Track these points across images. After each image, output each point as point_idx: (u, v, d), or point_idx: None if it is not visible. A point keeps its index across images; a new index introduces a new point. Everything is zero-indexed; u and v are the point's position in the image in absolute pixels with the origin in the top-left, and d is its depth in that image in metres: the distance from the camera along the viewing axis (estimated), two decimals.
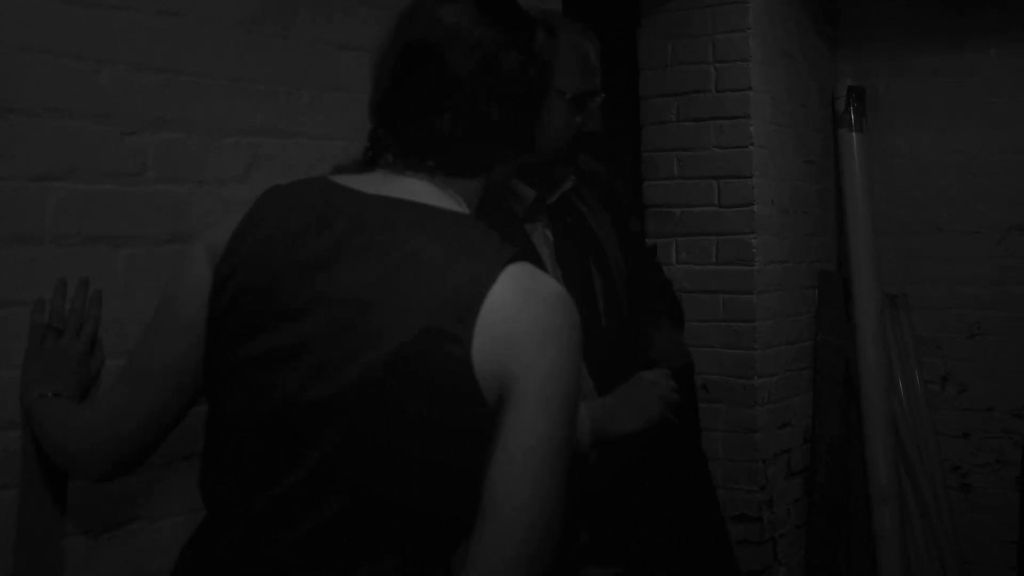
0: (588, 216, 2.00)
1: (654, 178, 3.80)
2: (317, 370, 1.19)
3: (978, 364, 4.13)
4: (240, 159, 1.91)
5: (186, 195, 1.83)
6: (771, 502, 3.69)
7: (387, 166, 1.31)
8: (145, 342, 1.37)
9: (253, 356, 1.23)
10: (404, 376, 1.15)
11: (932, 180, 4.20)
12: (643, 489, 1.94)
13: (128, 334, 1.67)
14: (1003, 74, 4.08)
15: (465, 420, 1.17)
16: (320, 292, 1.21)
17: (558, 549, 1.20)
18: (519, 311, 1.18)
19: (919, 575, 3.98)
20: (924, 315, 4.22)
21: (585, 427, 1.79)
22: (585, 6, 3.19)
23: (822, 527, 3.94)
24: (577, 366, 1.22)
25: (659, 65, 3.76)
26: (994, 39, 4.09)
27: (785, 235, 3.82)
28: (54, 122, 1.63)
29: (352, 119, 1.97)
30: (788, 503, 3.82)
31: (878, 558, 3.89)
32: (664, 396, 1.84)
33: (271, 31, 1.98)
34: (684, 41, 3.71)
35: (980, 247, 4.12)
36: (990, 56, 4.10)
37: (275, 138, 1.98)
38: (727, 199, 3.65)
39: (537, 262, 1.84)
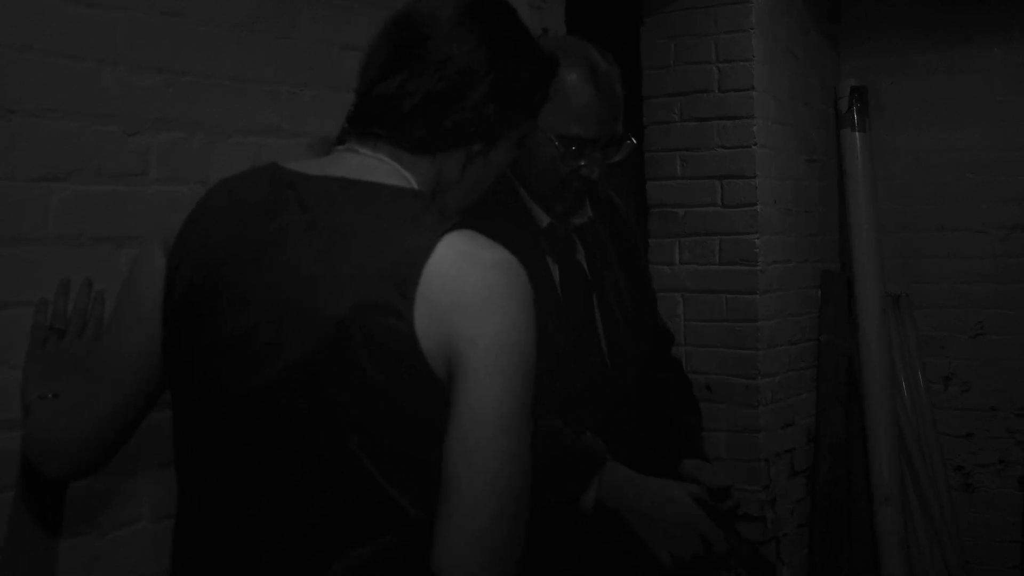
0: (598, 252, 1.93)
1: (657, 178, 3.80)
2: (267, 355, 1.18)
3: (981, 364, 4.13)
4: (243, 159, 1.91)
5: (189, 195, 1.79)
6: (774, 502, 3.69)
7: (342, 145, 1.32)
8: (103, 338, 1.37)
9: (208, 345, 1.22)
10: (347, 354, 1.13)
11: (935, 178, 4.20)
12: None
13: None
14: (1006, 72, 4.08)
15: (421, 398, 1.14)
16: (266, 276, 1.20)
17: (526, 526, 1.16)
18: (459, 279, 1.15)
19: (922, 575, 3.98)
20: (927, 314, 4.21)
21: (591, 490, 1.70)
22: (588, 6, 3.19)
23: (824, 527, 3.93)
24: (527, 332, 1.17)
25: (662, 65, 3.76)
26: (997, 37, 4.08)
27: (788, 235, 3.82)
28: (56, 123, 1.63)
29: None
30: (791, 503, 3.82)
31: (880, 558, 3.89)
32: (708, 533, 1.69)
33: (273, 31, 1.98)
34: (687, 41, 3.70)
35: (983, 246, 4.11)
36: (993, 54, 4.10)
37: (277, 138, 1.98)
38: (730, 199, 3.65)
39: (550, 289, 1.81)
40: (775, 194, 3.72)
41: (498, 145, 1.34)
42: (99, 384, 1.34)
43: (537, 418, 1.65)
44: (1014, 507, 4.06)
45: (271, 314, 1.18)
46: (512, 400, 1.15)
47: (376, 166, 1.28)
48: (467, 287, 1.15)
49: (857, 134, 4.09)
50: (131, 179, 1.74)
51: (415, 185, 1.28)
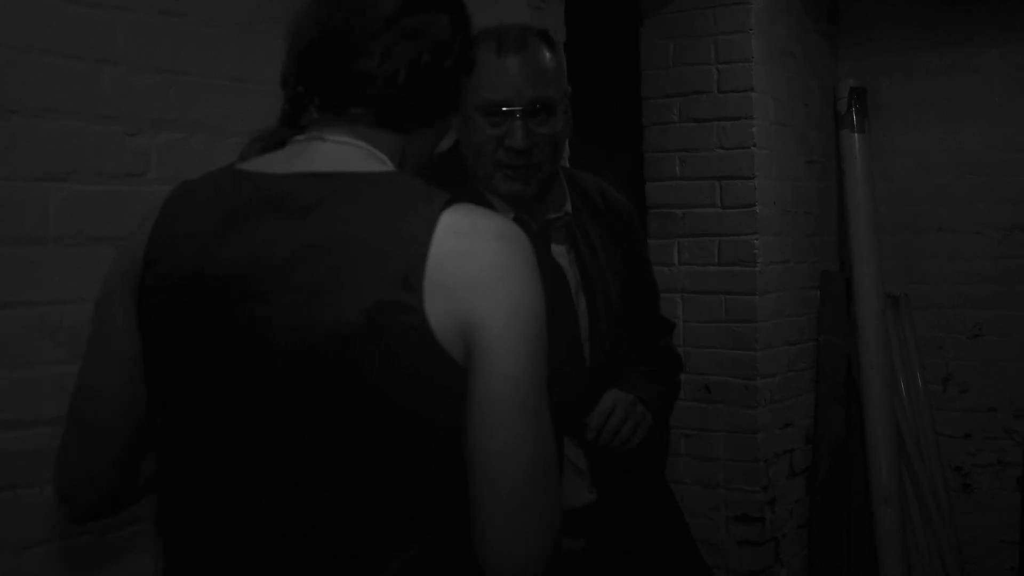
0: (583, 246, 1.92)
1: (656, 179, 3.80)
2: (269, 367, 1.14)
3: (980, 364, 4.13)
4: None
5: None
6: (773, 502, 3.69)
7: (302, 132, 1.26)
8: (84, 373, 1.31)
9: (206, 360, 1.18)
10: (363, 360, 1.10)
11: (934, 179, 4.20)
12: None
13: None
14: (1005, 73, 4.08)
15: (444, 387, 1.12)
16: (261, 285, 1.15)
17: (559, 504, 1.15)
18: (464, 257, 1.12)
19: (920, 575, 3.99)
20: (926, 315, 4.22)
21: None
22: (587, 7, 3.19)
23: (823, 527, 3.94)
24: (537, 298, 1.14)
25: (661, 66, 3.76)
26: (996, 38, 4.09)
27: (787, 235, 3.82)
28: (56, 123, 1.63)
29: None
30: (790, 503, 3.82)
31: (879, 558, 3.90)
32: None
33: (273, 31, 1.97)
34: (686, 41, 3.71)
35: (982, 247, 4.11)
36: (992, 55, 4.10)
37: None
38: (729, 200, 3.65)
39: None
40: (774, 195, 3.72)
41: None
42: (89, 421, 1.28)
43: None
44: (1012, 508, 4.07)
45: (271, 326, 1.15)
46: (528, 369, 1.12)
47: (350, 153, 1.23)
48: (473, 263, 1.12)
49: (856, 135, 4.09)
50: (131, 179, 1.74)
51: (390, 166, 1.24)
